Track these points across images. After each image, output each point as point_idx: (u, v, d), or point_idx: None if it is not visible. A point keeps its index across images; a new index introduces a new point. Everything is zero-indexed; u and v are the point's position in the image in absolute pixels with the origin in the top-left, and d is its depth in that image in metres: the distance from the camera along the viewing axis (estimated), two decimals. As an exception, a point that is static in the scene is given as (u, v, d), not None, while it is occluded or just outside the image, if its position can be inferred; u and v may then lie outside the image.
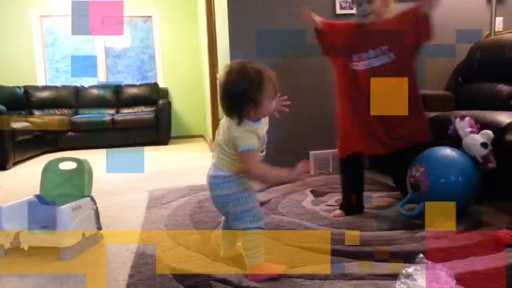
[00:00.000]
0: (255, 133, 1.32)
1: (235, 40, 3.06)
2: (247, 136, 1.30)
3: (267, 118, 1.40)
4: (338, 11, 3.16)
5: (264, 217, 1.43)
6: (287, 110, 1.50)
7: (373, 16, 1.96)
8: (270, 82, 1.31)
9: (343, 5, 3.16)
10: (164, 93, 6.77)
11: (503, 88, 2.70)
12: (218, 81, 1.35)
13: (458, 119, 1.96)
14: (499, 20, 3.37)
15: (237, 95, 1.29)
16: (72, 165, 1.88)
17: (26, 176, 3.72)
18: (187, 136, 7.00)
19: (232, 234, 1.52)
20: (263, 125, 1.38)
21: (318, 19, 2.10)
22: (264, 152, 1.43)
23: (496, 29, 3.31)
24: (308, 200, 2.37)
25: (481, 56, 2.95)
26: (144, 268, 1.49)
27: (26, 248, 1.64)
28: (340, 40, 2.07)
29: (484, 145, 1.84)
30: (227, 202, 1.39)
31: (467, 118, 1.94)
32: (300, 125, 3.16)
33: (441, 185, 1.86)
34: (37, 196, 1.86)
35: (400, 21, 1.96)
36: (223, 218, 1.56)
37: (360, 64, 1.98)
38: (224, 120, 1.38)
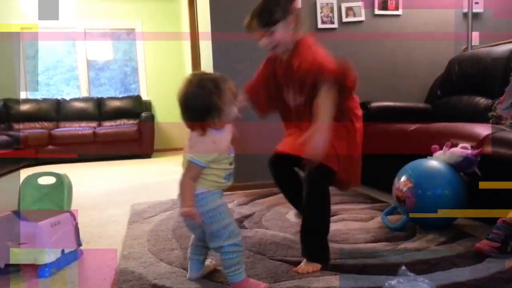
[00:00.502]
0: (216, 144, 1.33)
1: (218, 52, 3.07)
2: (205, 149, 1.32)
3: (230, 127, 1.39)
4: (320, 25, 3.21)
5: (240, 232, 1.42)
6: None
7: (281, 48, 1.66)
8: (228, 88, 1.33)
9: (325, 19, 3.22)
10: (147, 106, 6.73)
11: (481, 100, 2.76)
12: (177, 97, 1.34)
13: (434, 153, 2.01)
14: (475, 35, 3.47)
15: (197, 106, 1.30)
16: (51, 180, 1.84)
17: (4, 191, 3.62)
18: (171, 149, 6.93)
19: (202, 254, 1.50)
20: (226, 134, 1.37)
21: (240, 98, 1.60)
22: (233, 165, 1.41)
23: (473, 44, 3.40)
24: (292, 213, 2.36)
25: (459, 69, 3.03)
26: (125, 285, 1.46)
27: (2, 266, 1.59)
28: (268, 93, 1.83)
29: (464, 148, 1.89)
30: (202, 221, 1.35)
31: (434, 146, 2.02)
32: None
33: (427, 200, 1.87)
34: (15, 212, 1.81)
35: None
36: (192, 237, 1.52)
37: (293, 98, 1.75)
38: (189, 135, 1.38)
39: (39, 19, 6.33)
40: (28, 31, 6.53)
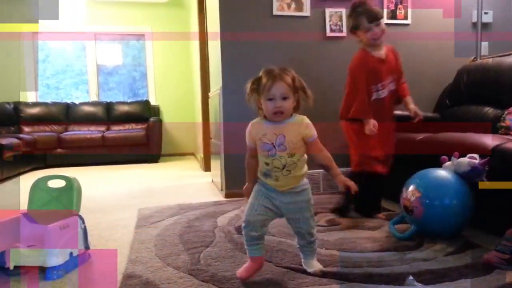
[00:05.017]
0: (249, 129, 1.52)
1: (227, 58, 3.09)
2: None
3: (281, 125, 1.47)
4: (329, 33, 3.22)
5: (246, 219, 1.51)
6: None
7: (382, 38, 2.25)
8: (251, 87, 1.47)
9: (333, 28, 3.23)
10: (156, 111, 6.77)
11: (490, 111, 2.75)
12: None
13: (442, 164, 2.01)
14: (484, 45, 3.46)
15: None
16: (61, 183, 1.86)
17: (14, 193, 3.66)
18: (178, 154, 6.97)
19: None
20: (265, 126, 1.48)
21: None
22: (272, 166, 1.48)
23: (482, 54, 3.40)
24: (298, 220, 2.36)
25: (468, 79, 3.02)
26: (132, 289, 1.47)
27: (11, 268, 1.60)
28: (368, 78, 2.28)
29: (471, 158, 1.88)
30: None
31: (443, 157, 2.02)
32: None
33: (435, 210, 1.86)
34: (25, 214, 1.83)
35: (393, 54, 2.36)
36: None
37: (385, 91, 2.31)
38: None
39: (50, 23, 6.42)
40: (38, 35, 6.62)
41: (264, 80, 1.42)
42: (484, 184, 1.83)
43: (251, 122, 1.52)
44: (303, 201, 1.52)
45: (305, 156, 1.52)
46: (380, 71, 2.27)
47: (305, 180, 1.55)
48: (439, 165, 2.02)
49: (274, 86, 1.40)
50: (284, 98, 1.41)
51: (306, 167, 1.54)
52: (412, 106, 2.35)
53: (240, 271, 1.51)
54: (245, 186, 1.60)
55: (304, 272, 1.58)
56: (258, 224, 1.49)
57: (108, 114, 6.52)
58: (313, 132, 1.48)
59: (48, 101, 6.51)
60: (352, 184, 1.49)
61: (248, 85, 1.47)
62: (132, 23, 6.87)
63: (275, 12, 3.12)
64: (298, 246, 1.62)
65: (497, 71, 2.78)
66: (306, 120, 1.49)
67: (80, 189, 1.87)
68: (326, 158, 1.52)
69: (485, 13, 3.44)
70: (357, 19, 2.25)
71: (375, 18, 2.23)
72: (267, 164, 1.47)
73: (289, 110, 1.44)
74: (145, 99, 6.88)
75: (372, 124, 2.17)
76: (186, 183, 3.97)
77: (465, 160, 1.90)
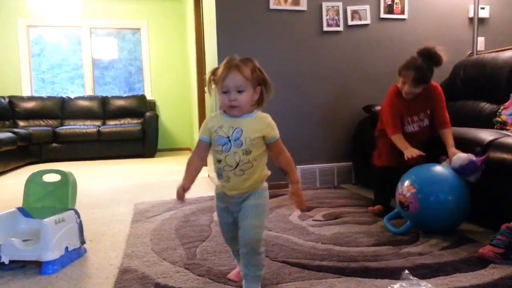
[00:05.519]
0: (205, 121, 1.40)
1: (223, 53, 3.08)
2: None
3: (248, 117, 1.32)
4: (325, 28, 3.22)
5: (223, 234, 1.48)
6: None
7: (411, 96, 2.29)
8: (208, 77, 1.37)
9: (330, 22, 3.22)
10: (152, 105, 6.75)
11: (486, 106, 2.76)
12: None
13: (442, 162, 2.03)
14: (480, 40, 3.47)
15: None
16: (56, 178, 1.85)
17: (9, 188, 3.64)
18: (174, 149, 6.96)
19: None
20: (223, 119, 1.33)
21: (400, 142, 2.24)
22: (225, 164, 1.32)
23: (478, 49, 3.40)
24: (295, 215, 2.37)
25: (464, 74, 3.02)
26: (128, 283, 1.47)
27: (6, 262, 1.59)
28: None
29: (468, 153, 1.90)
30: None
31: (443, 157, 2.06)
32: (287, 141, 3.17)
33: (430, 206, 1.87)
34: (20, 209, 1.83)
35: (426, 92, 2.31)
36: None
37: (412, 126, 2.34)
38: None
39: (45, 17, 6.36)
40: (34, 29, 6.57)
41: (220, 70, 1.31)
42: None
43: (210, 114, 1.43)
44: (250, 205, 1.33)
45: (264, 158, 1.36)
46: (405, 108, 2.32)
47: (265, 184, 1.39)
48: (436, 160, 2.03)
49: (228, 77, 1.27)
50: (240, 91, 1.27)
51: (266, 171, 1.38)
52: (452, 150, 2.06)
53: (231, 275, 1.49)
54: (180, 185, 1.40)
55: (300, 266, 1.58)
56: (235, 240, 1.38)
57: (104, 108, 6.49)
58: (275, 132, 1.33)
59: (44, 95, 6.46)
60: (300, 200, 1.35)
61: (207, 76, 1.36)
62: (128, 17, 6.83)
63: (271, 6, 3.11)
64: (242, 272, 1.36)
65: (493, 66, 2.79)
66: (269, 119, 1.34)
67: (75, 183, 1.86)
68: (285, 162, 1.36)
69: (482, 8, 3.44)
70: (410, 65, 2.25)
71: (416, 78, 2.21)
72: (219, 161, 1.32)
73: (246, 104, 1.29)
74: (141, 93, 6.84)
75: (411, 152, 2.12)
76: (182, 178, 3.96)
77: (463, 154, 1.91)
